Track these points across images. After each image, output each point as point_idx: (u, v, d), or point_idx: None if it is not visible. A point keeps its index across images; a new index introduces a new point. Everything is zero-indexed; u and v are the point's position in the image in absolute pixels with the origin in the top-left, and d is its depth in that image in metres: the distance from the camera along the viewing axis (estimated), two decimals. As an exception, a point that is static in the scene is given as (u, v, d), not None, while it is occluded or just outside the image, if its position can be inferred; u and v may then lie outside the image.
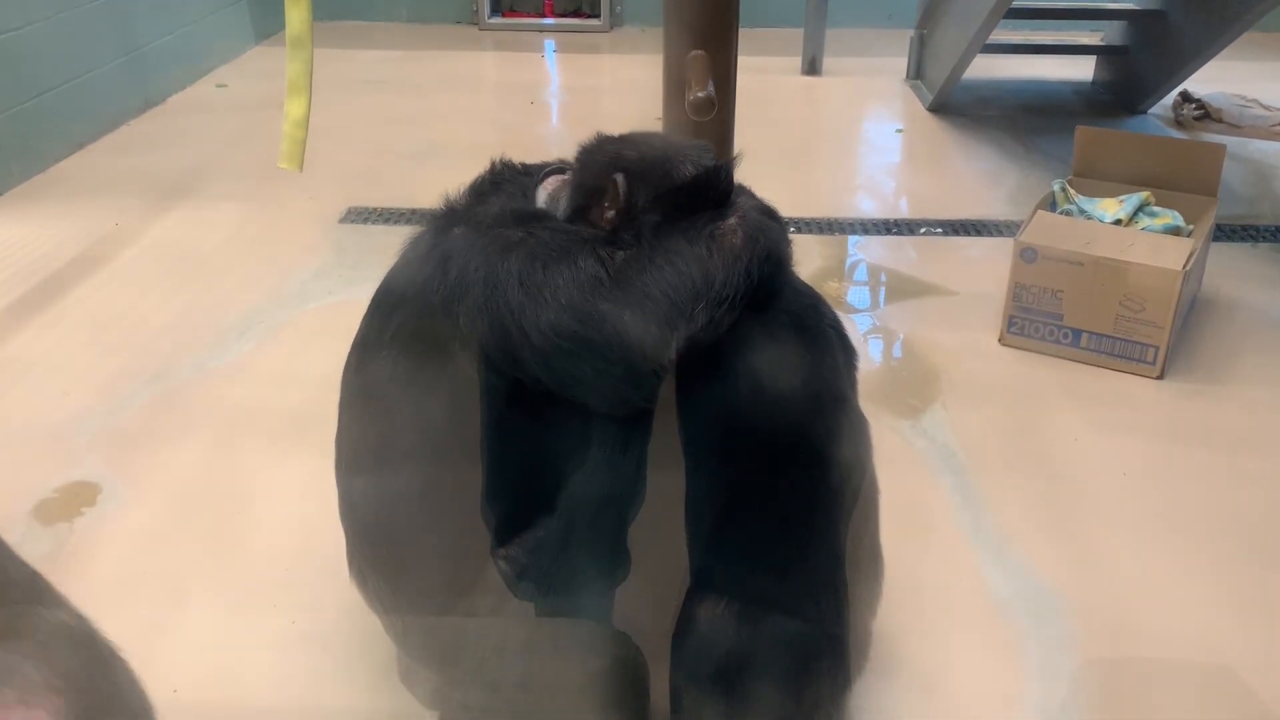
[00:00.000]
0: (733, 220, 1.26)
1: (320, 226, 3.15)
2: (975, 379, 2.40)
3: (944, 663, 1.64)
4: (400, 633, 1.45)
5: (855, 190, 3.63)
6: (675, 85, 1.58)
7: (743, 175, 1.35)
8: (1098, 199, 2.67)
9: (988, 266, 2.84)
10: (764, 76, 4.57)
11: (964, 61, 3.95)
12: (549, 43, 5.48)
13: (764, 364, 1.26)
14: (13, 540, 0.94)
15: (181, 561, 1.84)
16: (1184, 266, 2.29)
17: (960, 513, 1.96)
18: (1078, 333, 2.41)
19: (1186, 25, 3.83)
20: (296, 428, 2.14)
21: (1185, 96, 4.14)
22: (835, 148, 4.14)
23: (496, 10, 5.70)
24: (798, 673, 1.33)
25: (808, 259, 2.93)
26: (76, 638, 0.87)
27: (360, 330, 1.37)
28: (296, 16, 1.39)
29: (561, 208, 1.34)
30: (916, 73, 4.61)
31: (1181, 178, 2.65)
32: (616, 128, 1.43)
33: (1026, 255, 2.42)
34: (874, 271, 3.00)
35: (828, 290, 2.78)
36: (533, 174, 1.43)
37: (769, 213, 1.32)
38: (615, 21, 5.63)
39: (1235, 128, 3.98)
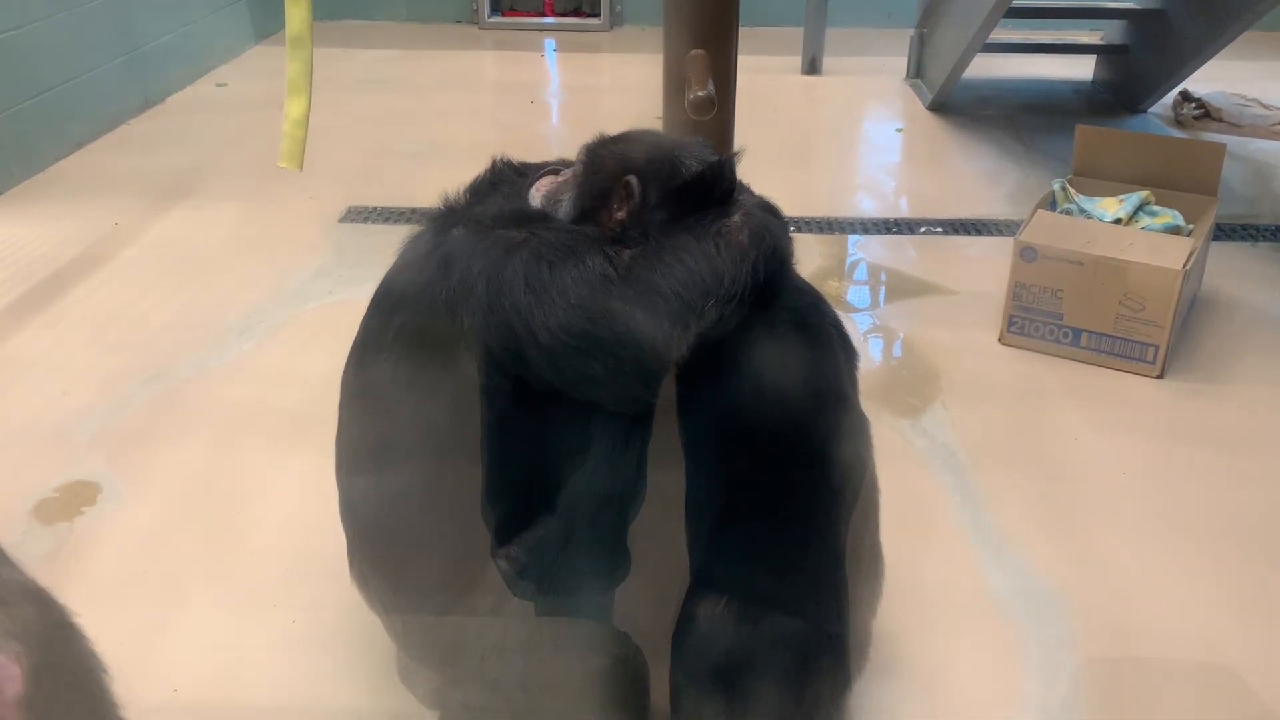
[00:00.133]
0: (738, 218, 1.26)
1: (320, 226, 3.15)
2: (975, 378, 2.40)
3: (944, 662, 1.63)
4: (401, 633, 1.45)
5: (855, 189, 3.63)
6: (675, 84, 1.58)
7: (743, 174, 1.35)
8: (1098, 198, 2.67)
9: (988, 266, 2.84)
10: (764, 76, 4.57)
11: (964, 61, 3.95)
12: (549, 42, 5.48)
13: (765, 362, 1.26)
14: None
15: (181, 561, 1.84)
16: (1184, 266, 2.29)
17: (960, 512, 1.96)
18: (1078, 332, 2.41)
19: (1186, 24, 3.83)
20: (296, 427, 2.14)
21: (1185, 96, 4.14)
22: (835, 147, 4.14)
23: (496, 9, 5.69)
24: (798, 672, 1.33)
25: (808, 258, 2.93)
26: (32, 594, 0.89)
27: (360, 331, 1.37)
28: (296, 16, 1.39)
29: (565, 210, 1.34)
30: (916, 72, 4.61)
31: (1181, 177, 2.65)
32: (617, 127, 1.43)
33: (1026, 254, 2.42)
34: (874, 271, 3.00)
35: (828, 289, 2.78)
36: (532, 174, 1.43)
37: (771, 210, 1.32)
38: (615, 21, 5.63)
39: (1235, 127, 3.98)
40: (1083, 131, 2.81)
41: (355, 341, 1.38)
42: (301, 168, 1.43)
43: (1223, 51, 3.76)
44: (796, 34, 4.79)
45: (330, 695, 1.57)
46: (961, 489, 2.02)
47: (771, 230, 1.27)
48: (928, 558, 1.83)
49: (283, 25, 1.42)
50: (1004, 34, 4.25)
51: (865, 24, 5.33)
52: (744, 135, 1.67)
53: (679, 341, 1.17)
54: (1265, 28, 4.38)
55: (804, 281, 1.39)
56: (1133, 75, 4.25)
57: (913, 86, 4.56)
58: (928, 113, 4.26)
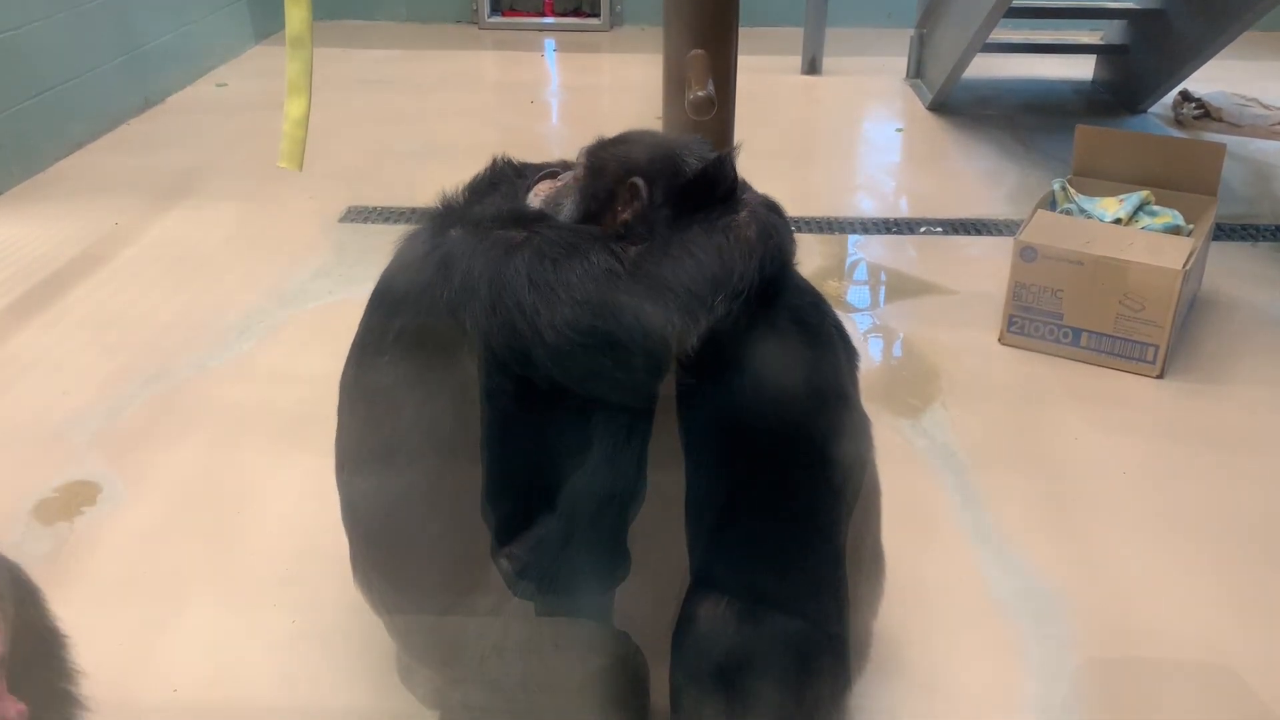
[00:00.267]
0: (745, 214, 1.26)
1: (320, 226, 3.15)
2: (975, 378, 2.40)
3: (944, 663, 1.63)
4: (402, 633, 1.45)
5: (855, 189, 3.63)
6: (675, 84, 1.58)
7: (743, 174, 1.35)
8: (1098, 198, 2.67)
9: (988, 266, 2.84)
10: (764, 76, 4.57)
11: (964, 61, 3.95)
12: (549, 42, 5.48)
13: (766, 361, 1.25)
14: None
15: (181, 561, 1.84)
16: (1184, 266, 2.29)
17: (960, 512, 1.96)
18: (1078, 332, 2.41)
19: (1186, 24, 3.83)
20: (296, 427, 2.14)
21: (1185, 96, 4.14)
22: (835, 147, 4.14)
23: (496, 9, 5.69)
24: (798, 672, 1.33)
25: (808, 258, 2.93)
26: (3, 563, 0.91)
27: (359, 333, 1.37)
28: (296, 16, 1.39)
29: (568, 213, 1.34)
30: (916, 72, 4.61)
31: (1181, 177, 2.65)
32: (617, 127, 1.42)
33: (1026, 254, 2.42)
34: (874, 271, 3.00)
35: (828, 289, 2.78)
36: (531, 174, 1.43)
37: (774, 208, 1.32)
38: (615, 21, 5.63)
39: (1235, 127, 3.98)
40: (1083, 131, 2.80)
41: (354, 343, 1.37)
42: (301, 168, 1.43)
43: (1223, 51, 3.76)
44: (796, 34, 4.79)
45: (330, 695, 1.57)
46: (961, 489, 2.02)
47: (777, 228, 1.27)
48: (928, 558, 1.83)
49: (282, 25, 1.42)
50: (1004, 34, 4.25)
51: (865, 24, 5.33)
52: (744, 135, 1.66)
53: (690, 334, 1.16)
54: (1265, 28, 4.38)
55: (804, 281, 1.39)
56: (1133, 75, 4.25)
57: (913, 86, 4.56)
58: (928, 113, 4.26)
